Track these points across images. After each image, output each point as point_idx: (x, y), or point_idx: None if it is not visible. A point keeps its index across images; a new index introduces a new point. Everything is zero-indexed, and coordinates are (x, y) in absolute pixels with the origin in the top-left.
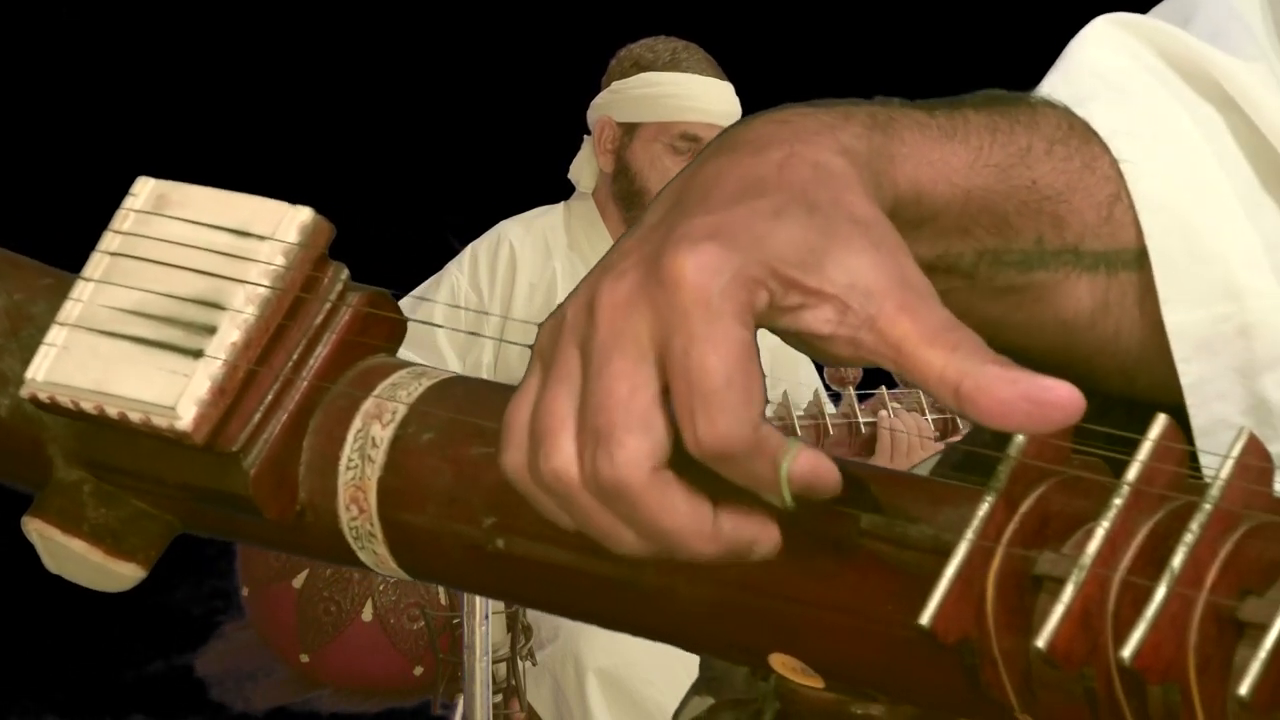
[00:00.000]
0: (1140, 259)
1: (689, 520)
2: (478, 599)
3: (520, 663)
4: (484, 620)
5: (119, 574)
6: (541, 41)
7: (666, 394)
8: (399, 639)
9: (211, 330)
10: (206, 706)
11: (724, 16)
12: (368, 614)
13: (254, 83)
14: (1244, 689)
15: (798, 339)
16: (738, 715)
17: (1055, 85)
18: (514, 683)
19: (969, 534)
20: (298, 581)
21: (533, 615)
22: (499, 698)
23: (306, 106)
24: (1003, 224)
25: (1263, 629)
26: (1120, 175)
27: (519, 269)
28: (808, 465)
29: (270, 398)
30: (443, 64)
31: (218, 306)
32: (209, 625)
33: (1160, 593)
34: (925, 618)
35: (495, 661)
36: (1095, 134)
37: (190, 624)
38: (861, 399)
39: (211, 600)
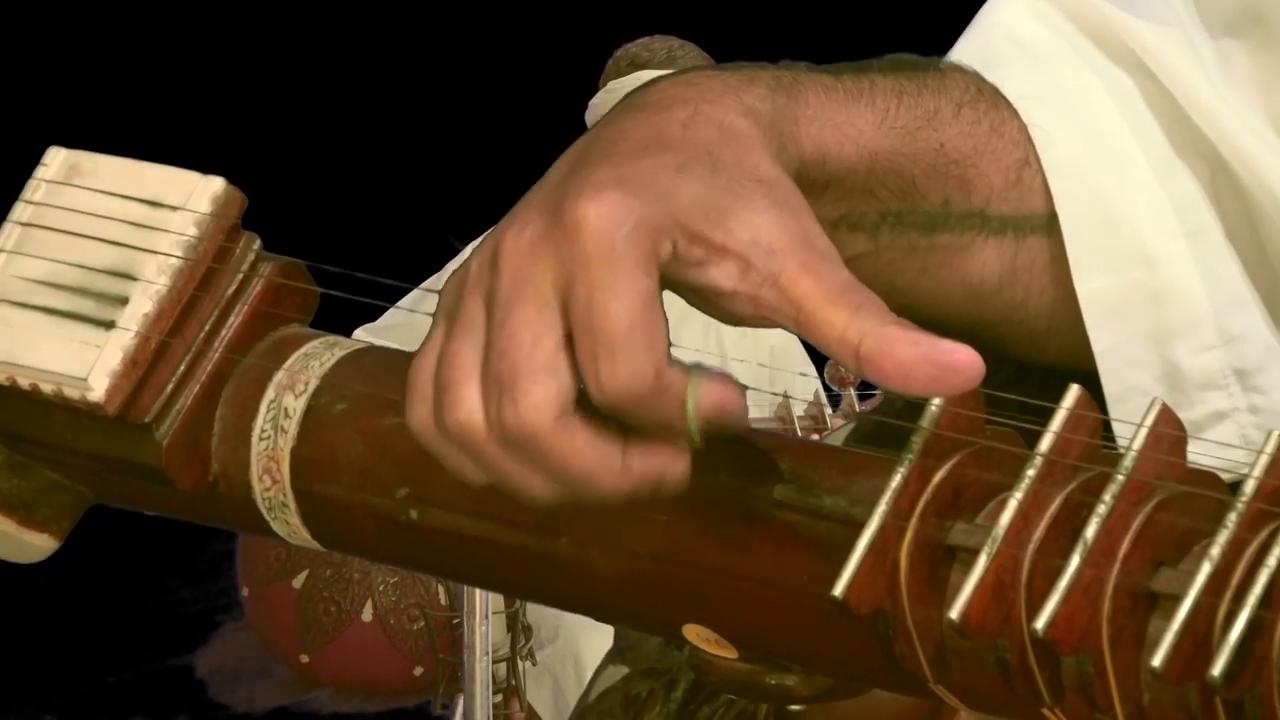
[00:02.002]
0: (1050, 224)
1: (597, 462)
2: (478, 599)
3: (520, 663)
4: (484, 620)
5: (31, 544)
6: (541, 41)
7: (571, 340)
8: (399, 639)
9: (124, 301)
10: (206, 706)
11: (723, 16)
12: (368, 614)
13: (255, 83)
14: (1157, 660)
15: (699, 295)
16: (651, 685)
17: (966, 51)
18: (514, 683)
19: (882, 505)
20: (298, 581)
21: (533, 615)
22: (499, 698)
23: (307, 107)
24: (909, 186)
25: (1176, 600)
26: (1029, 140)
27: None
28: (712, 399)
29: (182, 369)
30: (443, 64)
31: (130, 277)
32: (209, 625)
33: (1073, 564)
34: (838, 589)
35: (495, 661)
36: (1004, 99)
37: (190, 624)
38: (862, 398)
39: (211, 600)
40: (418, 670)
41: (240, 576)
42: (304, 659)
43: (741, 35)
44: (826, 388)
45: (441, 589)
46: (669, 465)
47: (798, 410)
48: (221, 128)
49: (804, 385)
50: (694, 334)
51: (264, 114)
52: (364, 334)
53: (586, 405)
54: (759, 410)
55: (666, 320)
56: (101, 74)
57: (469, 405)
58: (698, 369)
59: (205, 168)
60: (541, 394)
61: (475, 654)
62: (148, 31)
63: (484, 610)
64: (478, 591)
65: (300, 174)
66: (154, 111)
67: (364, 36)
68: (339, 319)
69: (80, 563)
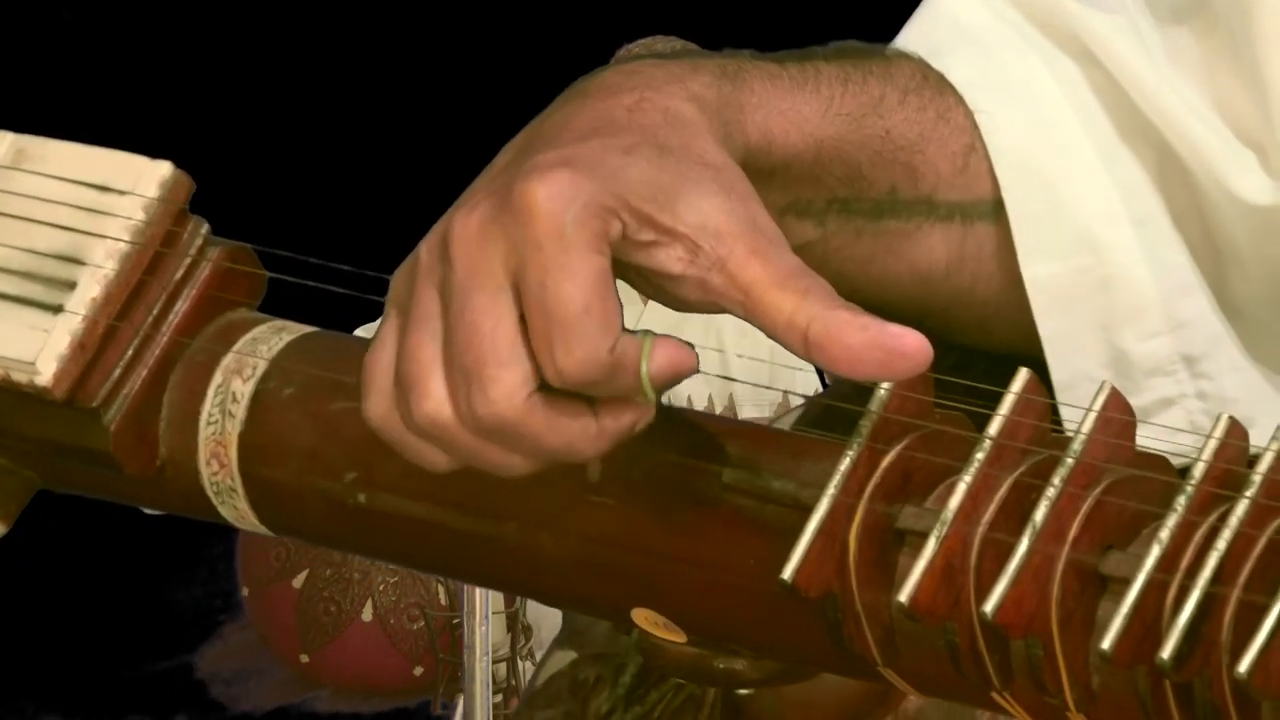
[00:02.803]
0: (997, 211)
1: (573, 433)
2: (478, 599)
3: (520, 663)
4: (484, 620)
5: None
6: (542, 42)
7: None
8: (399, 639)
9: (71, 285)
10: (206, 706)
11: (722, 16)
12: (368, 614)
13: (256, 83)
14: (1106, 643)
15: (645, 278)
16: (600, 669)
17: (911, 38)
18: (514, 683)
19: (831, 489)
20: (298, 581)
21: (533, 615)
22: (499, 698)
23: (307, 107)
24: (855, 174)
25: (1125, 583)
26: (975, 127)
27: None
28: (665, 360)
29: (130, 353)
30: (443, 64)
31: (78, 262)
32: (209, 625)
33: (1022, 547)
34: (787, 572)
35: (495, 661)
36: (950, 86)
37: (190, 624)
38: None
39: (211, 600)
40: (418, 670)
41: (240, 576)
42: (304, 659)
43: (743, 35)
44: (825, 385)
45: (441, 589)
46: (639, 415)
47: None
48: (224, 129)
49: (805, 381)
50: (695, 332)
51: (265, 114)
52: (365, 333)
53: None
54: (759, 410)
55: (620, 301)
56: (101, 74)
57: (436, 399)
58: (647, 334)
59: (204, 168)
60: (509, 381)
61: (475, 654)
62: (149, 31)
63: (484, 610)
64: (478, 591)
65: (300, 174)
66: (154, 111)
67: (364, 38)
68: (291, 305)
69: (80, 563)
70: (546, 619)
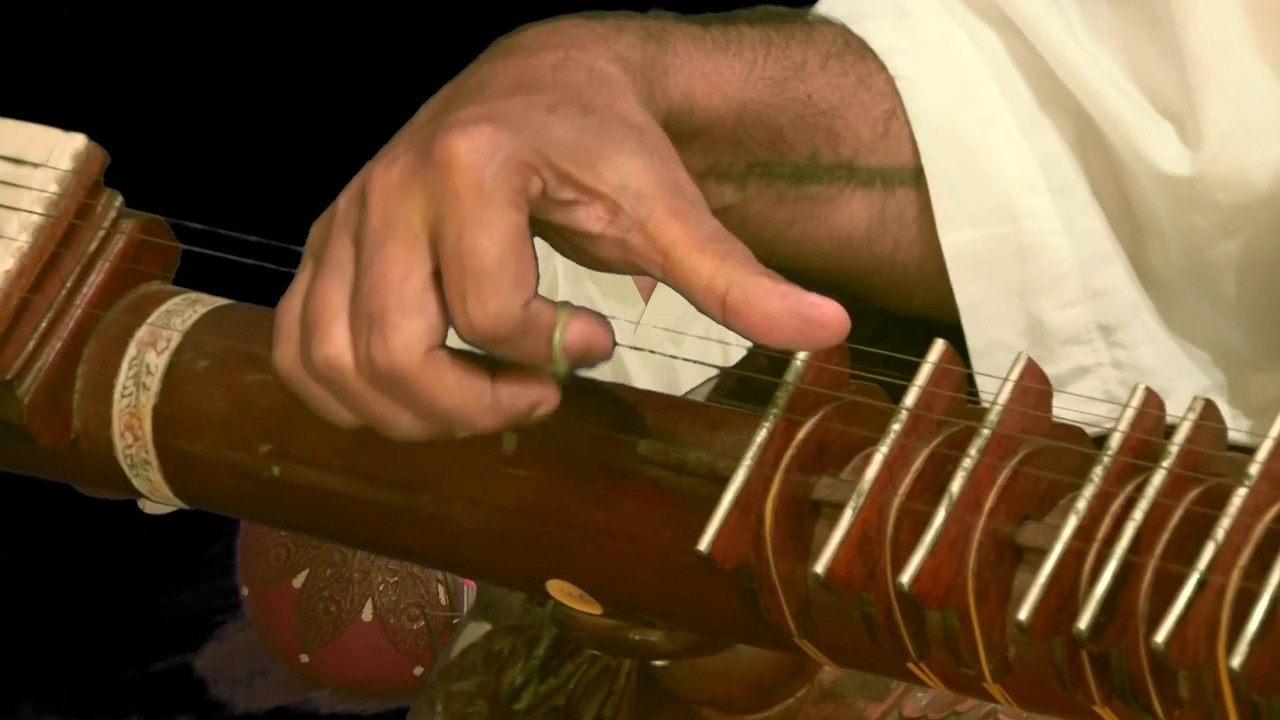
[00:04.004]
0: (917, 177)
1: (466, 398)
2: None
3: None
4: None
5: None
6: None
7: (439, 276)
8: (399, 639)
9: None
10: (206, 706)
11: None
12: (368, 614)
13: (256, 83)
14: (1023, 614)
15: (564, 238)
16: (514, 641)
17: (834, 3)
18: None
19: (747, 460)
20: (298, 581)
21: None
22: None
23: (307, 107)
24: (776, 137)
25: (1041, 554)
26: (896, 92)
27: None
28: (580, 334)
29: (44, 326)
30: (443, 65)
31: None
32: (209, 625)
33: (939, 518)
34: (703, 543)
35: None
36: (872, 51)
37: (190, 624)
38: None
39: (211, 600)
40: (418, 670)
41: (240, 576)
42: (304, 659)
43: None
44: None
45: (441, 589)
46: (538, 398)
47: None
48: (224, 129)
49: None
50: (699, 327)
51: (265, 114)
52: None
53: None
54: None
55: (536, 256)
56: (103, 73)
57: (337, 343)
58: (566, 306)
59: (203, 167)
60: (410, 330)
61: None
62: (150, 30)
63: None
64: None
65: (300, 174)
66: (156, 110)
67: (364, 38)
68: (205, 278)
69: (80, 562)
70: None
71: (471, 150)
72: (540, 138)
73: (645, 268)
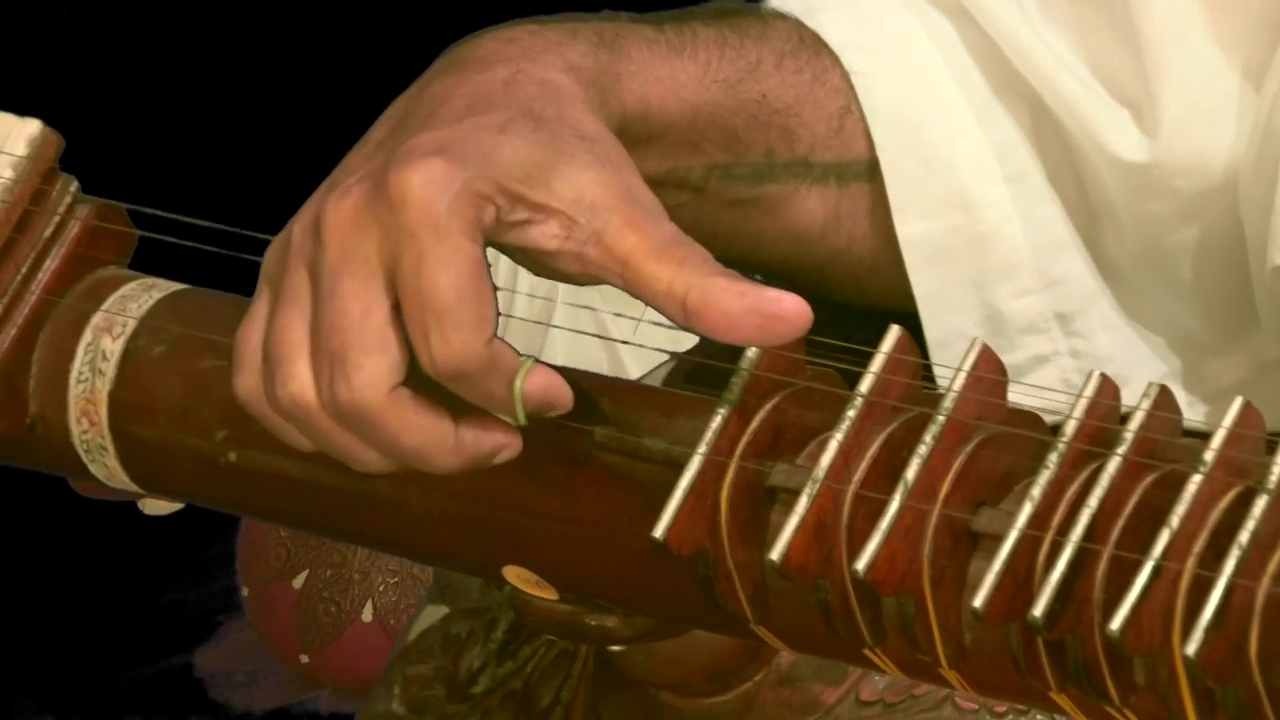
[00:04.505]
0: (871, 170)
1: (429, 437)
2: None
3: None
4: None
5: None
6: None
7: (399, 311)
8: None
9: None
10: (206, 706)
11: None
12: (368, 614)
13: (255, 83)
14: (978, 600)
15: (524, 256)
16: (471, 625)
17: None
18: None
19: (702, 446)
20: (298, 581)
21: None
22: None
23: (307, 106)
24: (732, 138)
25: (997, 540)
26: (851, 87)
27: (519, 273)
28: (541, 383)
29: None
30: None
31: None
32: (209, 625)
33: (894, 505)
34: (659, 530)
35: None
36: (826, 46)
37: (190, 624)
38: None
39: (211, 600)
40: None
41: (240, 576)
42: (304, 659)
43: None
44: None
45: None
46: (501, 443)
47: None
48: (224, 128)
49: None
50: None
51: (265, 113)
52: None
53: (418, 380)
54: None
55: (495, 291)
56: (102, 72)
57: (300, 380)
58: (529, 358)
59: (202, 166)
60: (373, 369)
61: None
62: (151, 29)
63: None
64: None
65: (300, 175)
66: (156, 111)
67: (364, 39)
68: (161, 263)
69: (79, 562)
70: None
71: (425, 185)
72: (491, 164)
73: (605, 278)
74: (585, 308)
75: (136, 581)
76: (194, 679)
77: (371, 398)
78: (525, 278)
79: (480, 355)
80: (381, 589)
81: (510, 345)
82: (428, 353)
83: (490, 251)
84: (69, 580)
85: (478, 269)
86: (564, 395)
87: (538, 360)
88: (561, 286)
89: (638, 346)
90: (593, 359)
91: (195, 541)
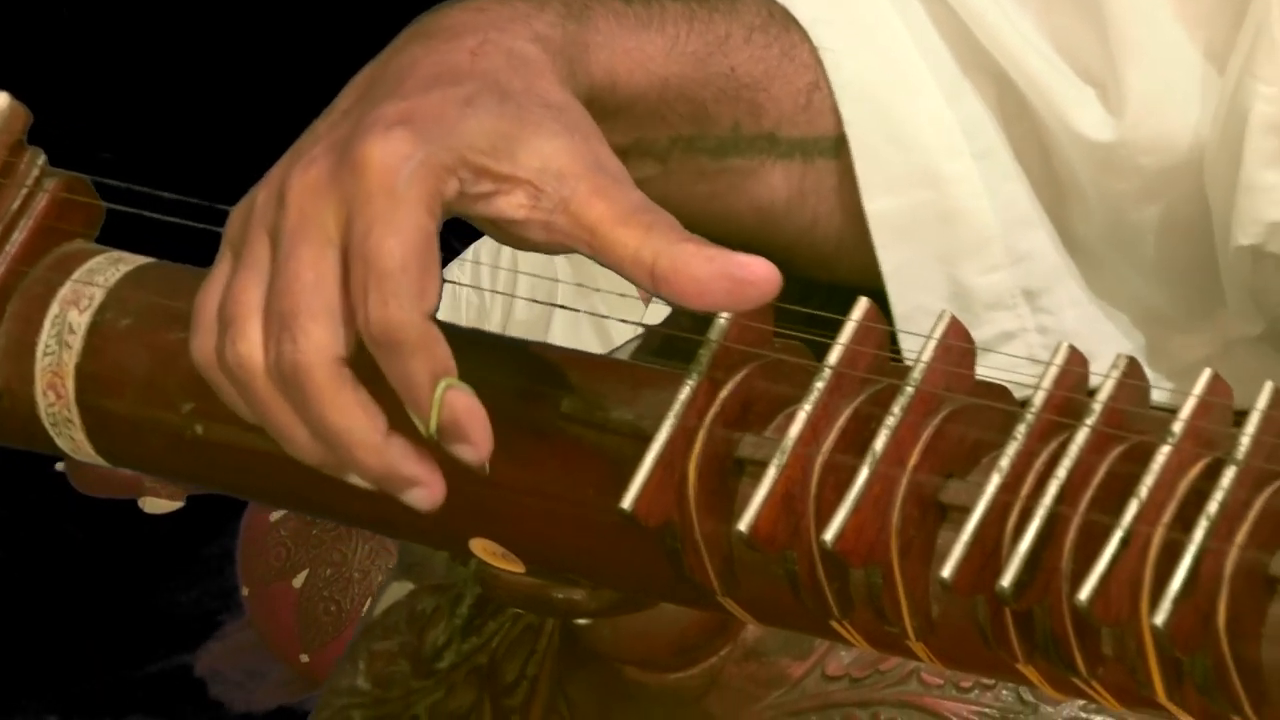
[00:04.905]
0: (838, 146)
1: (359, 422)
2: None
3: None
4: None
5: None
6: None
7: None
8: None
9: None
10: (206, 706)
11: None
12: None
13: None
14: (946, 571)
15: (492, 226)
16: (437, 600)
17: None
18: None
19: (670, 418)
20: (298, 581)
21: None
22: None
23: (307, 106)
24: (700, 111)
25: (965, 511)
26: (820, 63)
27: (518, 278)
28: (463, 405)
29: None
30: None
31: None
32: (209, 625)
33: (863, 476)
34: (627, 502)
35: None
36: (795, 22)
37: (190, 624)
38: None
39: (211, 600)
40: None
41: (240, 576)
42: (304, 659)
43: None
44: None
45: None
46: (423, 476)
47: None
48: (221, 126)
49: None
50: None
51: (265, 113)
52: None
53: (367, 375)
54: None
55: (440, 271)
56: (103, 72)
57: (250, 341)
58: (458, 381)
59: (200, 164)
60: (320, 334)
61: None
62: (152, 29)
63: None
64: None
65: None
66: (157, 110)
67: (363, 40)
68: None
69: (80, 562)
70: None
71: (386, 154)
72: (456, 135)
73: (574, 246)
74: (588, 313)
75: (136, 581)
76: (194, 679)
77: (314, 364)
78: (524, 282)
79: (414, 326)
80: None
81: (450, 350)
82: (364, 312)
83: (488, 254)
84: (69, 580)
85: (427, 241)
86: (483, 431)
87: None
88: (560, 292)
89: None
90: None
91: (195, 541)
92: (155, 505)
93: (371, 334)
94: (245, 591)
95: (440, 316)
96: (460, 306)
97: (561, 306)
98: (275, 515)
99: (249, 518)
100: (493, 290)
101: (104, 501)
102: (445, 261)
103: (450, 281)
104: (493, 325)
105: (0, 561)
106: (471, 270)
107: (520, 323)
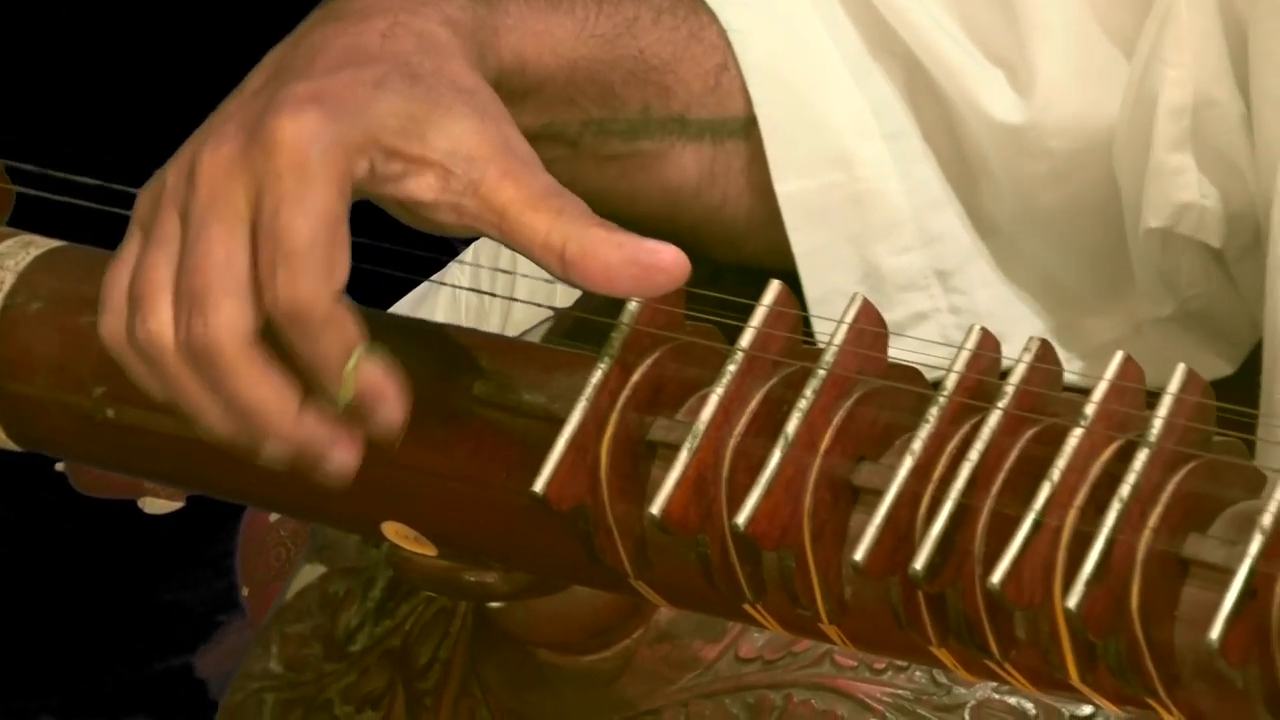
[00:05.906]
0: (748, 128)
1: (272, 397)
2: None
3: None
4: None
5: None
6: None
7: None
8: None
9: None
10: (206, 706)
11: None
12: None
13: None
14: (859, 554)
15: (401, 208)
16: (349, 583)
17: None
18: None
19: (582, 401)
20: None
21: None
22: None
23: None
24: (608, 94)
25: (877, 494)
26: (728, 44)
27: (517, 280)
28: (375, 379)
29: None
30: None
31: None
32: (209, 625)
33: (775, 459)
34: (539, 485)
35: None
36: (704, 3)
37: (190, 624)
38: None
39: (211, 600)
40: None
41: (240, 576)
42: None
43: None
44: None
45: None
46: (338, 444)
47: None
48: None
49: None
50: None
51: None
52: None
53: (275, 350)
54: None
55: (350, 249)
56: (101, 71)
57: (160, 319)
58: (378, 344)
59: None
60: (230, 311)
61: None
62: (151, 28)
63: None
64: None
65: None
66: (156, 110)
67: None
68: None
69: (80, 562)
70: None
71: (297, 133)
72: (366, 116)
73: (483, 229)
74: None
75: (136, 581)
76: (194, 679)
77: (225, 340)
78: (523, 284)
79: (323, 304)
80: None
81: (362, 322)
82: (272, 291)
83: (487, 256)
84: (69, 580)
85: (337, 220)
86: (396, 399)
87: (384, 351)
88: (560, 290)
89: None
90: None
91: (195, 541)
92: (155, 505)
93: (280, 311)
94: (245, 591)
95: (439, 318)
96: (459, 308)
97: (560, 309)
98: (275, 515)
99: (249, 518)
100: (491, 294)
101: (104, 501)
102: (445, 262)
103: (449, 284)
104: (491, 327)
105: (0, 561)
106: (471, 269)
107: (519, 324)
